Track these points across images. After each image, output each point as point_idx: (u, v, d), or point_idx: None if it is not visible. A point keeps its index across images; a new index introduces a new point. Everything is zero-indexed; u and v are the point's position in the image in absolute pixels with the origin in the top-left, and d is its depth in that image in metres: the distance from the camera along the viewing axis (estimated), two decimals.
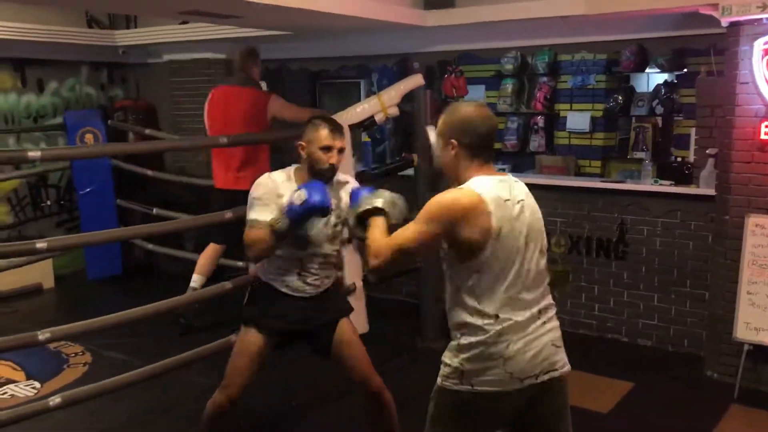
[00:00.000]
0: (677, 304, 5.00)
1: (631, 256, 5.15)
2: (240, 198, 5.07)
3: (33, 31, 6.27)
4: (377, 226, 2.42)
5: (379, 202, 2.51)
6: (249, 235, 2.96)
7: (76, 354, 4.97)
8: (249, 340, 3.09)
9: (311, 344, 3.26)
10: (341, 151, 3.04)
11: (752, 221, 4.26)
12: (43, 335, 3.24)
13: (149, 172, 6.40)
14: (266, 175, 3.09)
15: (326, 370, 3.70)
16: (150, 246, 6.37)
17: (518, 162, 6.68)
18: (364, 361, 3.18)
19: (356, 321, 5.00)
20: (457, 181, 2.32)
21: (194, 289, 5.10)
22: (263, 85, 5.97)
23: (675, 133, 6.02)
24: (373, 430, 3.26)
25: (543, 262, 2.32)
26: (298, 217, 2.85)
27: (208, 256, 5.24)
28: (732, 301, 4.34)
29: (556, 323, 2.34)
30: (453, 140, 2.29)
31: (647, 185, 5.16)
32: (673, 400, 4.30)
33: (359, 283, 5.00)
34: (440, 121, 2.35)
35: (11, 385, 4.47)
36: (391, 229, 2.39)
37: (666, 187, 5.01)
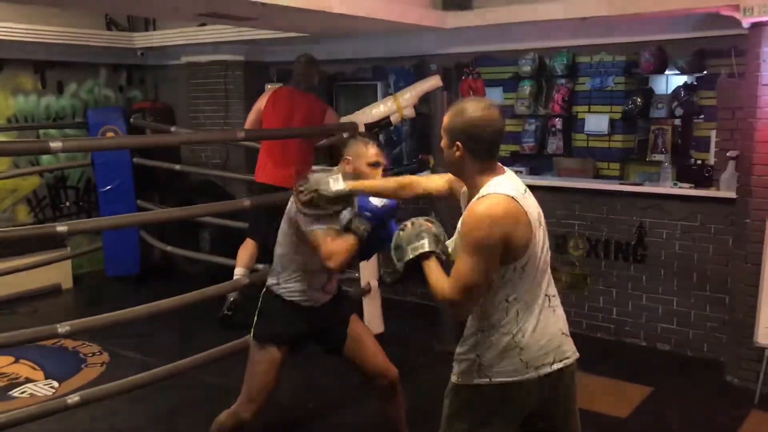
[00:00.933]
0: (697, 308, 4.95)
1: (650, 260, 5.11)
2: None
3: (52, 34, 6.34)
4: (433, 271, 2.27)
5: (425, 245, 2.31)
6: (331, 245, 2.80)
7: (94, 354, 5.01)
8: (270, 356, 3.05)
9: (323, 344, 3.26)
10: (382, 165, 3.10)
11: None
12: (62, 328, 3.27)
13: (177, 167, 6.45)
14: None
15: (344, 372, 3.70)
16: (168, 248, 6.40)
17: (536, 164, 6.64)
18: (380, 353, 3.23)
19: (372, 322, 5.04)
20: (463, 179, 2.32)
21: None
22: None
23: (694, 135, 5.97)
24: (386, 420, 3.31)
25: (549, 254, 2.34)
26: (380, 219, 2.82)
27: (247, 249, 5.29)
28: (753, 306, 4.29)
29: (562, 311, 2.37)
30: (458, 143, 2.25)
31: (666, 188, 5.11)
32: (692, 405, 4.25)
33: (374, 284, 5.00)
34: (446, 119, 2.31)
35: (30, 384, 4.51)
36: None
37: (685, 189, 4.96)
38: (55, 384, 4.52)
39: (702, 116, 5.66)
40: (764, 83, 4.18)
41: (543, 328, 2.26)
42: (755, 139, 4.27)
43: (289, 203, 2.98)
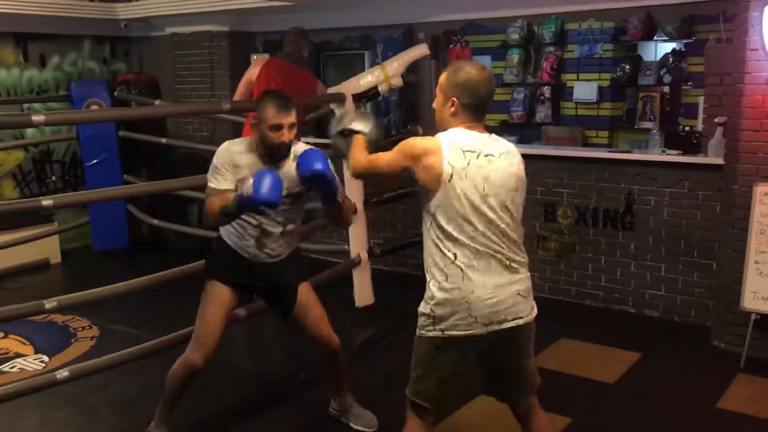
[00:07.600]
0: (684, 274, 4.98)
1: (638, 227, 5.13)
2: None
3: (34, 5, 6.23)
4: (358, 144, 2.76)
5: (360, 126, 2.82)
6: (206, 204, 3.01)
7: (84, 328, 5.00)
8: (218, 293, 3.14)
9: (273, 304, 3.38)
10: (292, 126, 2.97)
11: (760, 190, 4.23)
12: (49, 304, 3.27)
13: (163, 140, 6.41)
14: (227, 143, 3.08)
15: None
16: (155, 221, 6.38)
17: (525, 133, 6.61)
18: (326, 322, 3.34)
19: (362, 293, 5.06)
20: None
21: None
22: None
23: (683, 102, 5.95)
24: (329, 377, 3.55)
25: (509, 219, 2.42)
26: (246, 207, 2.83)
27: None
28: (739, 271, 4.32)
29: (525, 275, 2.48)
30: (454, 98, 2.44)
31: (655, 155, 5.12)
32: (679, 370, 4.30)
33: (364, 256, 5.00)
34: (443, 78, 2.50)
35: (20, 359, 4.51)
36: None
37: (674, 156, 4.96)
38: (45, 359, 4.51)
39: (690, 83, 5.64)
40: (752, 48, 4.17)
41: (495, 288, 2.37)
42: (743, 104, 4.27)
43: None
